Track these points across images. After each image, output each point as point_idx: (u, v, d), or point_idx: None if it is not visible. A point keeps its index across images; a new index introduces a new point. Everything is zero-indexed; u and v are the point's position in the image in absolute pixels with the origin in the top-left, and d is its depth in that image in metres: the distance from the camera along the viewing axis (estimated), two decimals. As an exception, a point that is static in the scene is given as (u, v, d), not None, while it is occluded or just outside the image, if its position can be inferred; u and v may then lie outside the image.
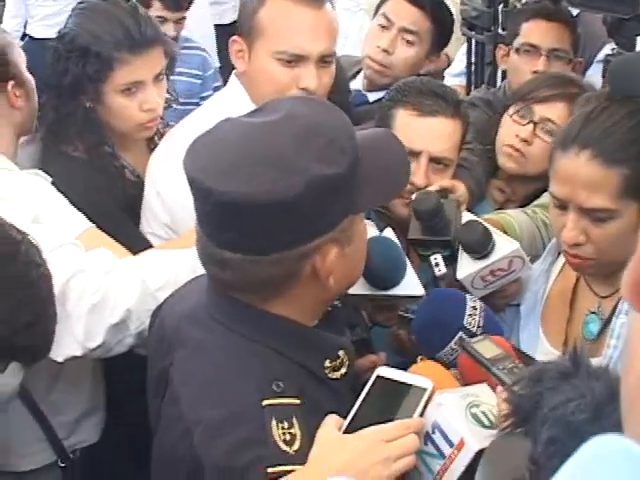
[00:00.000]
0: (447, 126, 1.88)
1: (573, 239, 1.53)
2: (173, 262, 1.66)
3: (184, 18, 3.34)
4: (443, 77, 3.20)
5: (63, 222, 1.77)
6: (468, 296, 1.48)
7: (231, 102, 1.96)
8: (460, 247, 1.65)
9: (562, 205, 1.55)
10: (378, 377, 1.24)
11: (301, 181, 1.13)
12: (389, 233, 1.63)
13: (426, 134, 1.87)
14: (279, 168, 1.14)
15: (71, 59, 1.95)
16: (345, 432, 1.16)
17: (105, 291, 1.60)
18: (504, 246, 1.65)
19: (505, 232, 1.77)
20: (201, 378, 1.24)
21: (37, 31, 4.73)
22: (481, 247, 1.63)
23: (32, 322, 1.40)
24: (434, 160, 1.88)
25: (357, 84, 2.67)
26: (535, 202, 2.02)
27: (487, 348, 1.29)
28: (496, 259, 1.65)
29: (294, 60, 1.89)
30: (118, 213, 1.98)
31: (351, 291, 1.53)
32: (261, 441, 1.15)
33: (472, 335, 1.39)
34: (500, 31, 2.82)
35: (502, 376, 1.22)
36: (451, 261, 1.65)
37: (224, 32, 3.79)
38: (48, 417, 1.81)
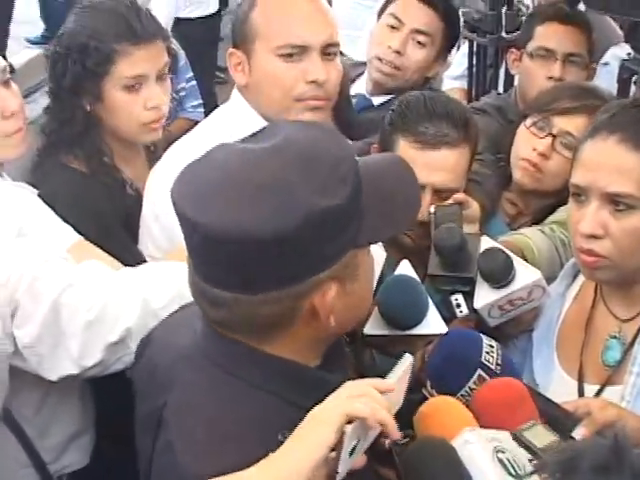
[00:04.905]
0: (451, 157, 1.77)
1: (591, 229, 1.46)
2: (176, 277, 1.56)
3: None
4: (441, 80, 3.17)
5: (50, 235, 1.70)
6: (483, 335, 1.41)
7: (237, 118, 1.87)
8: (478, 275, 1.56)
9: (582, 196, 1.49)
10: None
11: (295, 213, 1.04)
12: (406, 267, 1.53)
13: (429, 168, 1.75)
14: (270, 198, 1.05)
15: (70, 56, 1.89)
16: None
17: (103, 308, 1.53)
18: (525, 275, 1.56)
19: (523, 255, 1.69)
20: (201, 428, 1.14)
21: None
22: (502, 276, 1.55)
23: None
24: (439, 191, 1.77)
25: (359, 87, 2.58)
26: (551, 218, 1.93)
27: (538, 435, 1.20)
28: (516, 289, 1.56)
29: (296, 53, 1.80)
30: (117, 228, 1.92)
31: (369, 332, 1.46)
32: None
33: (491, 373, 1.32)
34: (504, 34, 2.79)
35: None
36: (470, 297, 1.56)
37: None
38: (34, 441, 1.73)
